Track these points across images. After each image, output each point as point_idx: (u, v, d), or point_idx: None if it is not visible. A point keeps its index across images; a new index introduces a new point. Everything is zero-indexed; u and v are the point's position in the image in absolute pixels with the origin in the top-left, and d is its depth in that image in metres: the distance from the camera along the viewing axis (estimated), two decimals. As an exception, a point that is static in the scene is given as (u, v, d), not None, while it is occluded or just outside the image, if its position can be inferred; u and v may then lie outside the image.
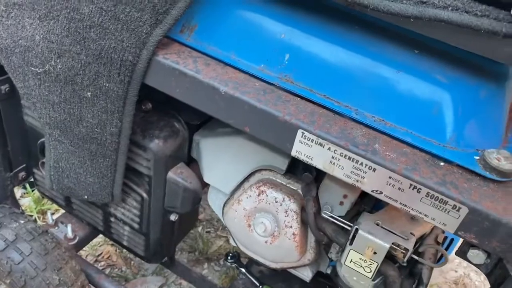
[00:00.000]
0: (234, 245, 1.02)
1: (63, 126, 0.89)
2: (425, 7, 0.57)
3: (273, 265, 0.97)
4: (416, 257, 0.77)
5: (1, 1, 0.81)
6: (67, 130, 0.90)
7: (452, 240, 1.04)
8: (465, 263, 1.77)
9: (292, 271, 1.02)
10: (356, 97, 0.68)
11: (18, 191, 1.75)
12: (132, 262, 1.65)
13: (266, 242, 0.91)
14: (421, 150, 0.64)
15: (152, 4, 0.71)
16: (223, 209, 0.97)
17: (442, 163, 0.62)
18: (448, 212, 0.59)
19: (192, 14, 0.77)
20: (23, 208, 1.68)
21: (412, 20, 0.58)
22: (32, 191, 1.81)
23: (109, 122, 0.83)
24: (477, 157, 0.62)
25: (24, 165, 1.23)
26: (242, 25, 0.74)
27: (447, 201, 0.58)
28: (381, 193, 0.63)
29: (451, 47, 0.61)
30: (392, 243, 0.75)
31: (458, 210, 0.58)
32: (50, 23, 0.77)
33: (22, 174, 1.23)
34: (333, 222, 0.84)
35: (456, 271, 1.92)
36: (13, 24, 0.81)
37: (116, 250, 1.66)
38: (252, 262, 1.35)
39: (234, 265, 1.36)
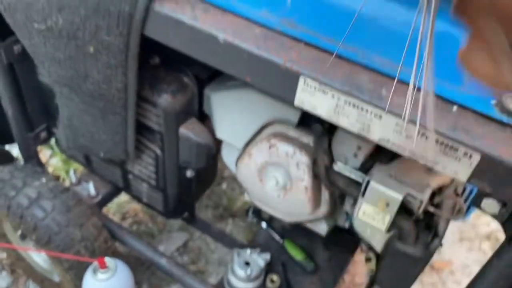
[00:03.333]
0: (249, 200, 1.02)
1: (71, 83, 0.89)
2: None
3: (287, 219, 0.96)
4: (431, 209, 0.74)
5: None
6: (76, 88, 0.89)
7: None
8: (496, 217, 1.71)
9: (308, 225, 1.01)
10: (364, 39, 0.63)
11: (46, 152, 1.79)
12: (158, 218, 1.69)
13: (278, 196, 0.90)
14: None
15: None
16: (236, 164, 0.96)
17: (455, 108, 0.58)
18: (459, 159, 0.55)
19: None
20: (51, 168, 1.73)
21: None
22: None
23: (114, 78, 0.82)
24: (494, 101, 0.57)
25: (45, 125, 1.25)
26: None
27: (458, 148, 0.54)
28: (388, 141, 0.59)
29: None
30: (406, 194, 0.72)
31: (470, 157, 0.54)
32: (47, -24, 0.75)
33: (43, 134, 1.25)
34: (345, 174, 0.81)
35: (488, 225, 1.86)
36: (12, -20, 0.79)
37: (142, 208, 1.70)
38: (273, 217, 1.34)
39: (255, 220, 1.36)
